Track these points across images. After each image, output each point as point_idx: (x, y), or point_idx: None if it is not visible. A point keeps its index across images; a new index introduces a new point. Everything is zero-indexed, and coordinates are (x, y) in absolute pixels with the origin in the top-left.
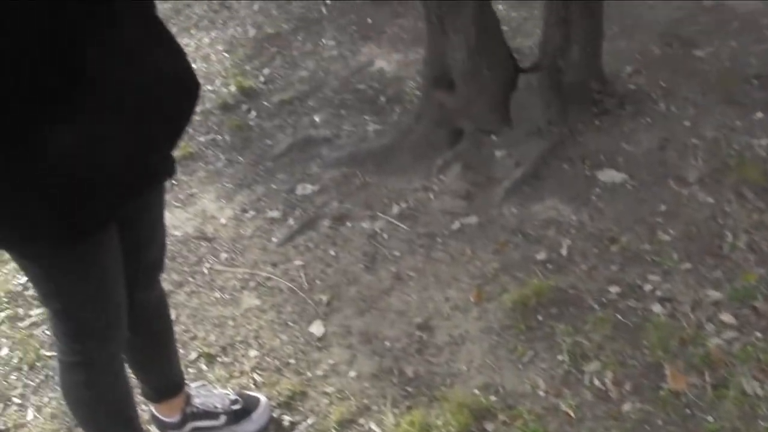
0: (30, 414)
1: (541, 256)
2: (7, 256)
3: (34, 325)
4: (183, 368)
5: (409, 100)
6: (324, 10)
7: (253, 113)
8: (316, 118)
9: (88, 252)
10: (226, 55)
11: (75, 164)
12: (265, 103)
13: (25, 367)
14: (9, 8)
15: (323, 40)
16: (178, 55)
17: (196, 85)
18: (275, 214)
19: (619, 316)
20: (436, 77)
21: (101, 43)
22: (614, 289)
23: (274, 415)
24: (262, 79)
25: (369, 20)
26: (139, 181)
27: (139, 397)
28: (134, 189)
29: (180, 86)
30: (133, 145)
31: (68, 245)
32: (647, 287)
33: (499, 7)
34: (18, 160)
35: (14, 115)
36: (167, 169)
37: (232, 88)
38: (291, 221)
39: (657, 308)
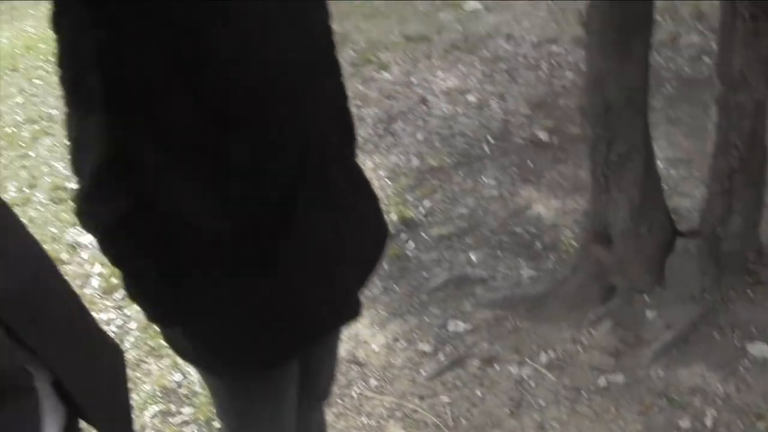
0: None
1: (685, 423)
2: (164, 350)
3: (185, 423)
4: None
5: (564, 249)
6: (486, 148)
7: (412, 244)
8: (473, 257)
9: (271, 377)
10: (389, 182)
11: (276, 303)
12: (424, 235)
13: None
14: (234, 168)
15: (484, 178)
16: (373, 200)
17: (387, 229)
18: (426, 347)
19: None
20: (595, 232)
21: (311, 188)
22: None
23: None
24: (422, 210)
25: (530, 163)
26: (329, 320)
27: None
28: (324, 327)
29: (375, 231)
30: (328, 286)
31: (257, 371)
32: None
33: (659, 165)
34: (227, 299)
35: (230, 261)
36: (355, 309)
37: (393, 217)
38: (441, 356)
39: None
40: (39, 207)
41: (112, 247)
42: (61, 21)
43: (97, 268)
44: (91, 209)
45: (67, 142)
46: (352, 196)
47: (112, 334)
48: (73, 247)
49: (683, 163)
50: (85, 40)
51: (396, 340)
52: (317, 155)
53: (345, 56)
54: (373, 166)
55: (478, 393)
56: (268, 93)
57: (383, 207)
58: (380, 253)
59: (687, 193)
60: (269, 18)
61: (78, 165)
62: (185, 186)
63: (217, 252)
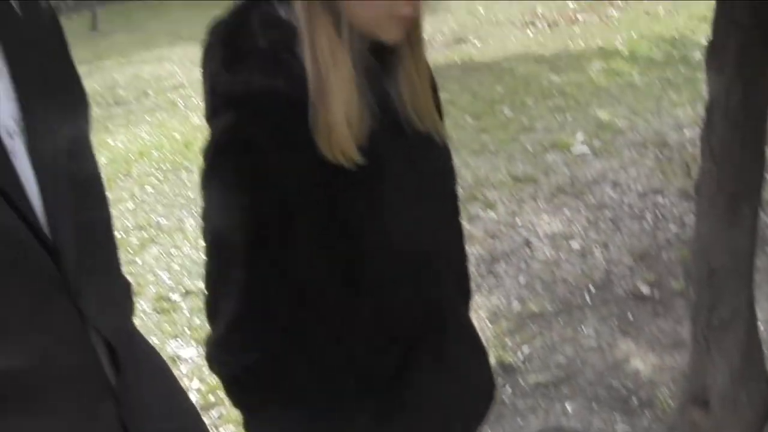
0: None
1: None
2: None
3: None
4: None
5: (660, 407)
6: (587, 297)
7: (509, 389)
8: (568, 407)
9: None
10: (489, 323)
11: None
12: (521, 381)
13: None
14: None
15: (583, 328)
16: (483, 354)
17: (494, 384)
18: None
19: None
20: (693, 393)
21: (427, 348)
22: None
23: None
24: (520, 356)
25: (629, 315)
26: None
27: None
28: None
29: (483, 387)
30: None
31: None
32: None
33: (761, 327)
34: None
35: (347, 414)
36: None
37: (491, 360)
38: None
39: None
40: (142, 315)
41: (237, 394)
42: (211, 179)
43: (196, 383)
44: (221, 357)
45: (205, 290)
46: (463, 353)
47: None
48: (174, 360)
49: None
50: (235, 199)
51: None
52: (437, 317)
53: None
54: (474, 306)
55: None
56: (399, 259)
57: None
58: (487, 408)
59: None
60: (406, 189)
61: (213, 313)
62: (312, 343)
63: (336, 405)
